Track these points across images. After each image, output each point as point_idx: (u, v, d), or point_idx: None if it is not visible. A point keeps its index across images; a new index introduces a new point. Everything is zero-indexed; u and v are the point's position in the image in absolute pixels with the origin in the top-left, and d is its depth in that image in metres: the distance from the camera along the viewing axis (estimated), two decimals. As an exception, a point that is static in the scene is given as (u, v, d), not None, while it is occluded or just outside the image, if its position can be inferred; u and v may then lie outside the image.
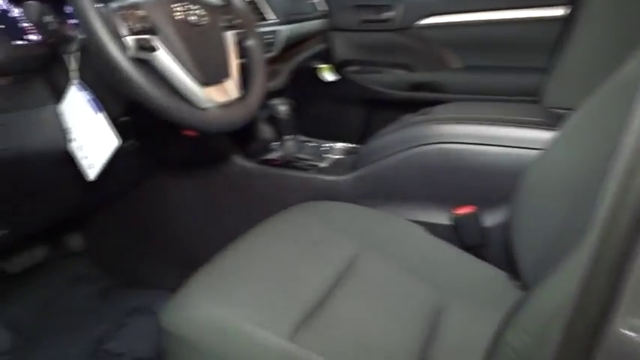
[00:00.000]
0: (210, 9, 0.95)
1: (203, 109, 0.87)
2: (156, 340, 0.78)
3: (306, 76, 1.79)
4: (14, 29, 0.82)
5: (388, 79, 1.79)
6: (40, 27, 0.83)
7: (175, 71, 0.84)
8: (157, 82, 0.81)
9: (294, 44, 1.59)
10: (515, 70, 1.59)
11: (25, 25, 0.83)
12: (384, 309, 0.85)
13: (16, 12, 0.83)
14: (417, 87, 1.75)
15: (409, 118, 1.28)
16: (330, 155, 1.41)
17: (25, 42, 0.83)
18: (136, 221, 1.42)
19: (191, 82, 0.85)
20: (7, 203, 0.91)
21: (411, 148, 1.16)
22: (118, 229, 1.44)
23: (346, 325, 0.79)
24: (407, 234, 1.06)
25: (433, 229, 1.07)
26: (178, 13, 0.86)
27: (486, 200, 1.10)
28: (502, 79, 1.61)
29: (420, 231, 1.07)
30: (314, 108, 1.87)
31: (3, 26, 0.81)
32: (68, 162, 0.89)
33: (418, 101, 1.55)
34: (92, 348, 1.21)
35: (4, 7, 0.82)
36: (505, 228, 1.03)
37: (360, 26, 1.76)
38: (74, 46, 0.83)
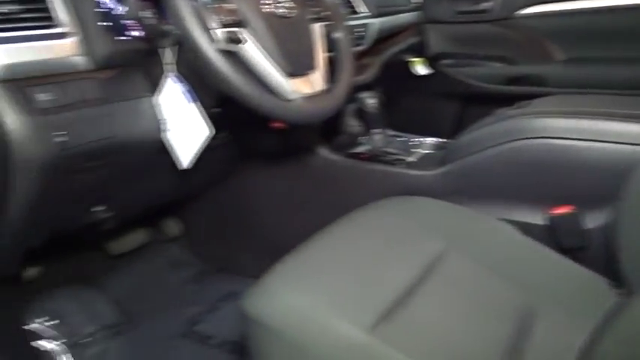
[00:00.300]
0: (299, 1, 0.96)
1: (289, 101, 0.89)
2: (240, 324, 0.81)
3: (398, 69, 1.76)
4: (118, 26, 0.88)
5: (484, 73, 1.72)
6: (141, 23, 0.88)
7: (262, 63, 0.86)
8: (244, 73, 0.83)
9: (386, 37, 1.58)
10: (627, 62, 1.46)
11: (128, 21, 0.89)
12: (469, 310, 0.81)
13: (120, 9, 0.89)
14: (516, 80, 1.66)
15: (505, 111, 1.21)
16: (419, 150, 1.38)
17: (127, 37, 0.89)
18: (228, 210, 1.48)
19: (277, 73, 0.87)
20: (113, 187, 0.98)
21: (506, 142, 1.10)
22: (212, 217, 1.51)
23: (428, 323, 0.76)
24: (497, 233, 1.01)
25: (526, 229, 1.01)
26: (267, 6, 0.88)
27: (588, 200, 1.02)
28: (612, 72, 1.49)
29: (512, 231, 1.01)
30: (404, 102, 1.84)
31: (111, 23, 0.87)
32: (163, 151, 0.94)
33: (516, 95, 1.47)
34: (184, 328, 1.28)
35: (111, 6, 0.88)
36: (609, 230, 0.95)
37: (455, 18, 1.70)
38: (170, 41, 0.87)
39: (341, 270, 0.83)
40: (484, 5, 1.62)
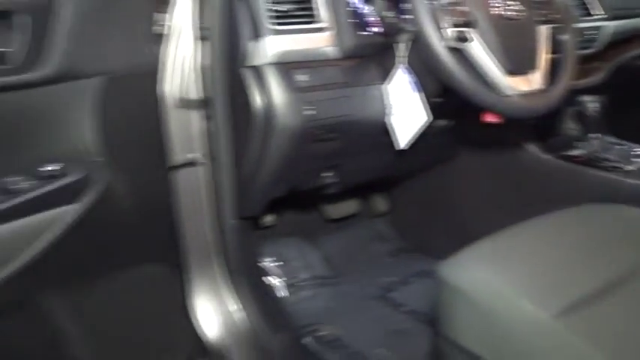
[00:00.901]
0: (528, 4, 1.01)
1: (505, 96, 0.96)
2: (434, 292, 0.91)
3: (630, 75, 1.65)
4: (362, 22, 1.05)
5: None
6: (382, 21, 1.04)
7: (485, 60, 0.94)
8: (467, 68, 0.93)
9: (622, 41, 1.50)
10: None
11: (371, 19, 1.05)
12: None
13: (365, 9, 1.05)
14: None
15: None
16: (640, 160, 1.31)
17: (368, 33, 1.05)
18: (433, 194, 1.58)
19: (498, 70, 0.94)
20: (340, 158, 1.17)
21: None
22: (417, 199, 1.63)
23: (617, 325, 0.77)
24: None
25: None
26: (496, 8, 0.96)
27: None
28: None
29: None
30: (632, 110, 1.71)
31: (356, 20, 1.05)
32: (385, 132, 1.09)
33: None
34: (379, 293, 1.44)
35: (359, 5, 1.06)
36: None
37: None
38: (405, 36, 1.01)
39: (536, 258, 0.87)
40: None
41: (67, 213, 0.78)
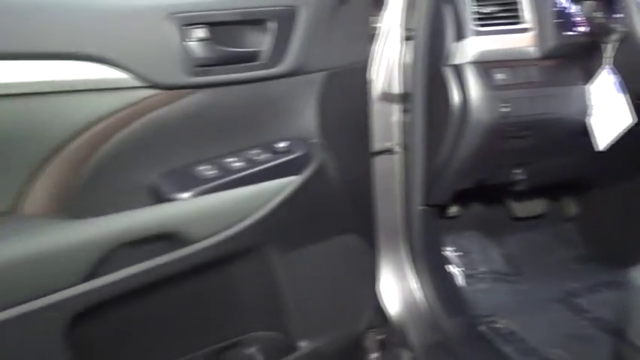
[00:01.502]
0: None
1: None
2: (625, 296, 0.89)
3: None
4: (567, 22, 1.06)
5: None
6: (589, 21, 1.03)
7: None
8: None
9: None
10: None
11: (577, 19, 1.05)
12: None
13: (573, 9, 1.06)
14: None
15: None
16: None
17: (573, 33, 1.06)
18: (631, 201, 1.49)
19: None
20: (532, 156, 1.19)
21: None
22: (612, 205, 1.54)
23: None
24: None
25: None
26: None
27: None
28: None
29: None
30: None
31: (561, 20, 1.06)
32: (583, 132, 1.09)
33: None
34: (561, 296, 1.40)
35: (565, 5, 1.06)
36: None
37: None
38: (614, 37, 1.00)
39: None
40: None
41: (292, 182, 0.95)
